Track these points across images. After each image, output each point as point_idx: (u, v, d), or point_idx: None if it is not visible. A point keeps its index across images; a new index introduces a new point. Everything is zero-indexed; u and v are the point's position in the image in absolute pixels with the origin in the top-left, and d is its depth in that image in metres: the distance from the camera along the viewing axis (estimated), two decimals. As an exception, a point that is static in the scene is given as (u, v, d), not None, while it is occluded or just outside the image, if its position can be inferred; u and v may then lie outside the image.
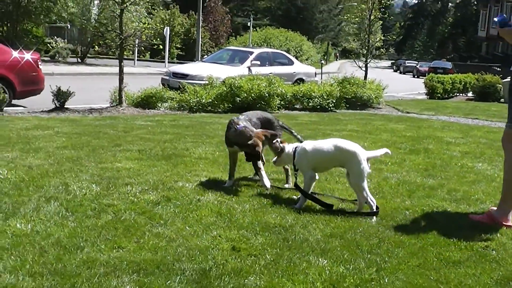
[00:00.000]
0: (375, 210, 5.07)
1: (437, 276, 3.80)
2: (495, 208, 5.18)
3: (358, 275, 3.74)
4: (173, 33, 44.72)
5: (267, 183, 5.68)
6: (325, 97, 16.17)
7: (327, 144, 5.28)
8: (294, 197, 5.54)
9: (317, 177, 5.45)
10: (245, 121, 5.89)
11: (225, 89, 14.47)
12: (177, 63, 35.27)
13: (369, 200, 5.12)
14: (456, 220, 5.12)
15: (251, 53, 19.79)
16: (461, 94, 29.91)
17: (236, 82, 14.51)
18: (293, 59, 22.31)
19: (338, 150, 5.18)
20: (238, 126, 5.75)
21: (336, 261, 3.94)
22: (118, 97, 13.64)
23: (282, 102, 15.41)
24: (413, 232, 4.69)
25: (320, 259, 3.94)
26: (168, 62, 35.41)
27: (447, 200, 5.83)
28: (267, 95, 14.61)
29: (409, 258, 4.10)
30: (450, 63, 52.17)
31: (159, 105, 14.17)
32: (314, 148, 5.33)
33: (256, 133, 5.68)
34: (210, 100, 14.22)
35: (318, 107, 15.95)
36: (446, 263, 4.05)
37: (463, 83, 28.88)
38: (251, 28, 52.15)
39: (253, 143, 5.60)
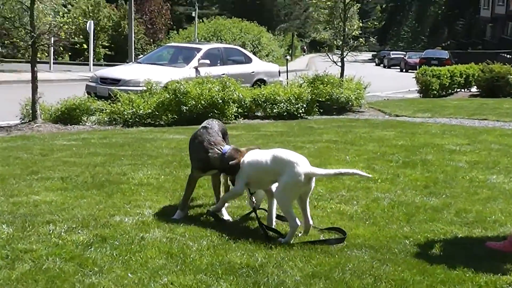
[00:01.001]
0: (283, 237, 5.28)
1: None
2: None
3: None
4: (98, 28, 44.46)
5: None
6: (293, 101, 16.26)
7: (266, 154, 5.54)
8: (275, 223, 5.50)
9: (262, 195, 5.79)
10: (216, 134, 5.98)
11: (168, 96, 14.43)
12: (105, 65, 34.99)
13: (291, 221, 5.30)
14: (470, 249, 5.14)
15: (198, 50, 19.77)
16: (462, 90, 30.45)
17: (181, 87, 14.49)
18: (251, 55, 22.38)
19: (274, 161, 5.41)
20: (223, 149, 5.79)
21: (322, 308, 3.89)
22: (31, 111, 13.42)
23: (240, 110, 15.43)
24: (417, 266, 4.67)
25: (302, 307, 3.89)
26: (94, 65, 35.13)
27: (456, 224, 5.86)
28: (220, 101, 14.62)
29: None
30: (446, 52, 52.76)
31: (85, 119, 14.02)
32: (253, 159, 5.61)
33: (242, 153, 5.77)
34: (150, 110, 14.15)
35: (285, 114, 16.03)
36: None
37: (464, 76, 29.36)
38: (196, 19, 52.24)
39: (236, 163, 5.68)
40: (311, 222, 5.51)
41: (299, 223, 5.32)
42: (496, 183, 7.73)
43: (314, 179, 5.43)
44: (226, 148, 5.81)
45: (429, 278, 4.46)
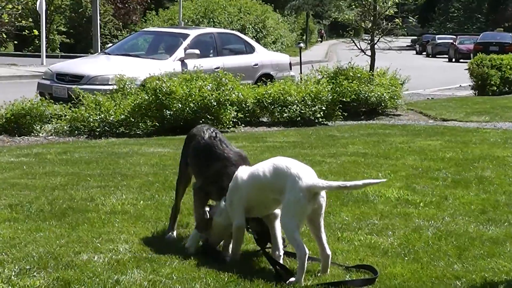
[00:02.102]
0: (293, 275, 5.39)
1: None
2: None
3: None
4: (52, 8, 44.50)
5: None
6: (309, 102, 16.28)
7: (265, 165, 5.72)
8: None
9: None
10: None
11: (147, 97, 14.46)
12: (63, 57, 35.10)
13: (297, 250, 5.40)
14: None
15: (185, 36, 19.79)
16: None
17: (163, 85, 14.53)
18: (254, 43, 22.41)
19: (274, 172, 5.57)
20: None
21: None
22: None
23: (240, 114, 15.42)
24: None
25: None
26: (48, 57, 35.11)
27: (524, 260, 5.96)
28: (215, 104, 14.65)
29: None
30: (510, 34, 52.22)
31: (38, 128, 14.08)
32: (251, 174, 5.77)
33: None
34: (123, 116, 14.23)
35: (299, 119, 16.08)
36: None
37: (535, 66, 29.34)
38: (181, -5, 52.27)
39: None
40: (328, 252, 5.58)
41: (307, 251, 5.41)
42: None
43: (322, 194, 5.54)
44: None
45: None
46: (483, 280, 5.44)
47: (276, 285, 5.25)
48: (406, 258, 5.90)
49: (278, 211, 5.69)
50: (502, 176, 9.40)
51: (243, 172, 5.82)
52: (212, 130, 6.36)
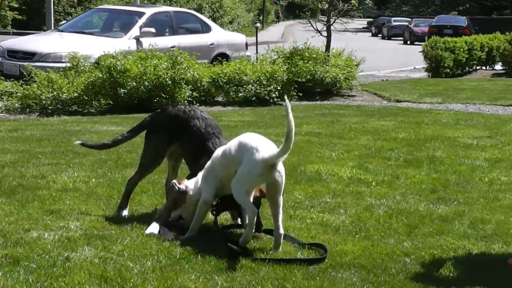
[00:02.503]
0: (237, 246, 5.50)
1: None
2: None
3: None
4: (3, -16, 44.04)
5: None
6: (265, 82, 16.31)
7: (233, 142, 5.77)
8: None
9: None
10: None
11: (101, 75, 14.40)
12: (15, 34, 34.76)
13: (247, 210, 5.51)
14: (489, 270, 5.29)
15: (140, 14, 19.71)
16: (484, 68, 30.77)
17: (118, 63, 14.46)
18: (210, 22, 22.39)
19: (238, 147, 5.63)
20: None
21: None
22: None
23: (195, 94, 15.42)
24: (419, 290, 4.83)
25: None
26: None
27: (471, 238, 6.03)
28: (170, 82, 14.65)
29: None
30: (464, 18, 52.67)
31: (-12, 105, 13.95)
32: (222, 152, 5.84)
33: None
34: (76, 94, 14.12)
35: (254, 98, 16.10)
36: None
37: (486, 49, 29.69)
38: (137, -27, 52.00)
39: None
40: (281, 231, 5.60)
41: (256, 209, 5.49)
42: (524, 186, 7.94)
43: (279, 169, 5.53)
44: None
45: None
46: (432, 257, 5.51)
47: (227, 261, 5.26)
48: (357, 236, 5.95)
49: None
50: (452, 156, 9.52)
51: (217, 151, 5.89)
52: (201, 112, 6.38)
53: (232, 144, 5.71)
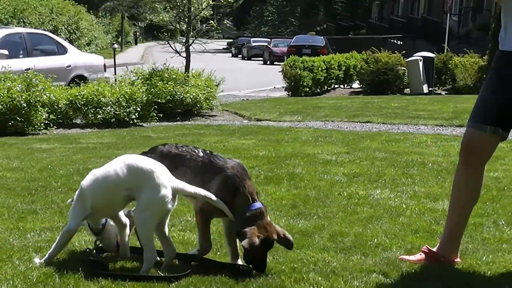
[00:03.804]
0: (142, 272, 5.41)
1: None
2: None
3: None
4: None
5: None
6: (124, 103, 16.34)
7: (111, 165, 5.58)
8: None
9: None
10: None
11: (-50, 98, 14.13)
12: None
13: (149, 252, 5.44)
14: (347, 280, 5.38)
15: (-8, 35, 19.44)
16: (342, 86, 31.55)
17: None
18: (66, 44, 22.33)
19: (127, 169, 5.46)
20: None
21: None
22: None
23: (52, 116, 15.30)
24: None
25: None
26: None
27: (331, 250, 6.13)
28: (25, 105, 14.53)
29: None
30: (322, 37, 54.15)
31: None
32: (94, 175, 5.61)
33: None
34: None
35: (113, 120, 16.10)
36: None
37: (344, 68, 30.52)
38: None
39: None
40: (174, 247, 5.66)
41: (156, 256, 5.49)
42: (380, 199, 8.14)
43: (176, 196, 5.55)
44: None
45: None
46: (292, 270, 5.56)
47: (86, 280, 5.20)
48: (218, 253, 5.97)
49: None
50: (312, 172, 9.67)
51: (86, 179, 5.65)
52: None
53: (116, 167, 5.53)
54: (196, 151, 5.82)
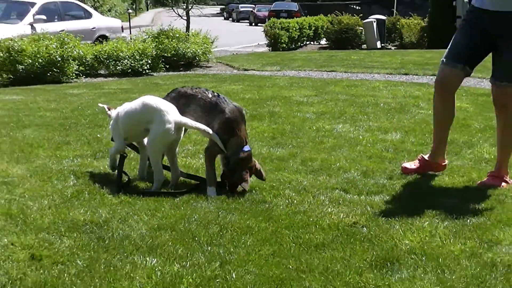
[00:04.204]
0: (153, 189, 5.51)
1: (296, 264, 4.03)
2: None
3: (198, 272, 3.88)
4: None
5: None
6: (138, 57, 16.30)
7: (135, 102, 5.68)
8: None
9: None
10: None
11: (1, 55, 14.16)
12: None
13: (158, 174, 5.54)
14: (315, 195, 5.46)
15: (33, 4, 19.23)
16: (312, 43, 31.49)
17: (15, 44, 14.23)
18: (91, 10, 22.19)
19: (144, 107, 5.54)
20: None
21: (168, 259, 4.06)
22: None
23: (81, 68, 15.34)
24: (263, 214, 4.94)
25: (148, 258, 4.04)
26: None
27: (302, 172, 6.19)
28: (59, 59, 14.49)
29: (260, 246, 4.32)
30: (296, 4, 54.14)
31: None
32: (124, 110, 5.74)
33: None
34: (-20, 71, 13.75)
35: (129, 70, 16.08)
36: (307, 247, 4.31)
37: (313, 28, 30.47)
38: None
39: None
40: (179, 171, 5.74)
41: (164, 177, 5.60)
42: (342, 132, 8.16)
43: (183, 129, 5.61)
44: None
45: (274, 224, 4.72)
46: (272, 187, 5.64)
47: (110, 197, 5.25)
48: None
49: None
50: (288, 111, 9.68)
51: (119, 108, 5.83)
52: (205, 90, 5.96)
53: (134, 104, 5.65)
54: (206, 92, 5.80)
